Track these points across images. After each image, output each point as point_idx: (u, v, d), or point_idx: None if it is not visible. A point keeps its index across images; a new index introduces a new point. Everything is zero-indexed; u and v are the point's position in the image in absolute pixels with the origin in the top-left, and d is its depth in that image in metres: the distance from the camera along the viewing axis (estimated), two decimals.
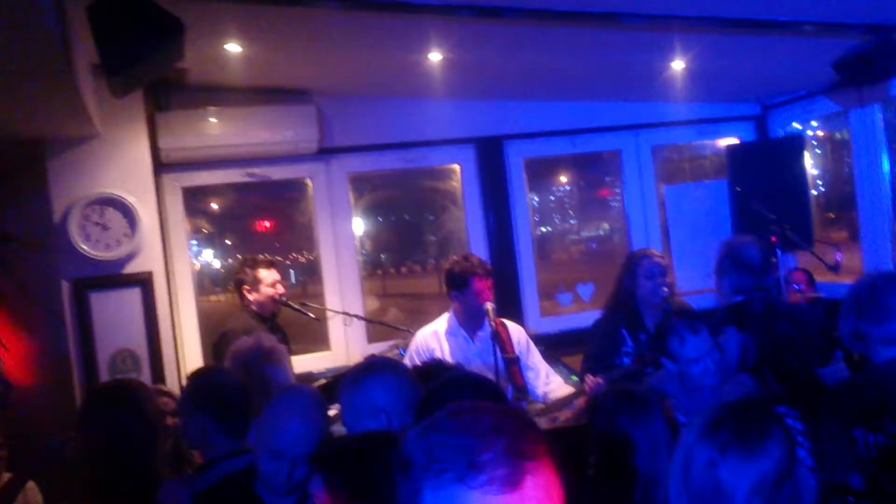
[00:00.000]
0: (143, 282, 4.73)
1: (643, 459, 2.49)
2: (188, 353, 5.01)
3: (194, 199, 5.35)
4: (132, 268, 4.74)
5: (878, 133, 5.21)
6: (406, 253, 6.39)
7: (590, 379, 4.00)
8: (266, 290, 4.53)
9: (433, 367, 2.99)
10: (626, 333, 4.17)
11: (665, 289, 4.14)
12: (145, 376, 4.63)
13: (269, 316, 4.58)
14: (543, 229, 6.58)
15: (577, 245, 6.82)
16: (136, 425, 2.70)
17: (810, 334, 3.65)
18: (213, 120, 4.87)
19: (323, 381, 4.40)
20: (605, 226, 6.61)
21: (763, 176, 5.31)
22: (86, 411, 2.90)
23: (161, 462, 2.90)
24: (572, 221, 6.87)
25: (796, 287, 4.97)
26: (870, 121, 5.23)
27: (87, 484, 2.72)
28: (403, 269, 6.50)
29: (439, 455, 1.00)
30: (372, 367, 2.50)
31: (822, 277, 5.23)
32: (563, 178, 6.78)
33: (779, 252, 4.68)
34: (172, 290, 4.95)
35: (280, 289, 4.59)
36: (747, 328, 3.50)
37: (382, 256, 6.34)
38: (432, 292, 5.02)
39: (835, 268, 4.59)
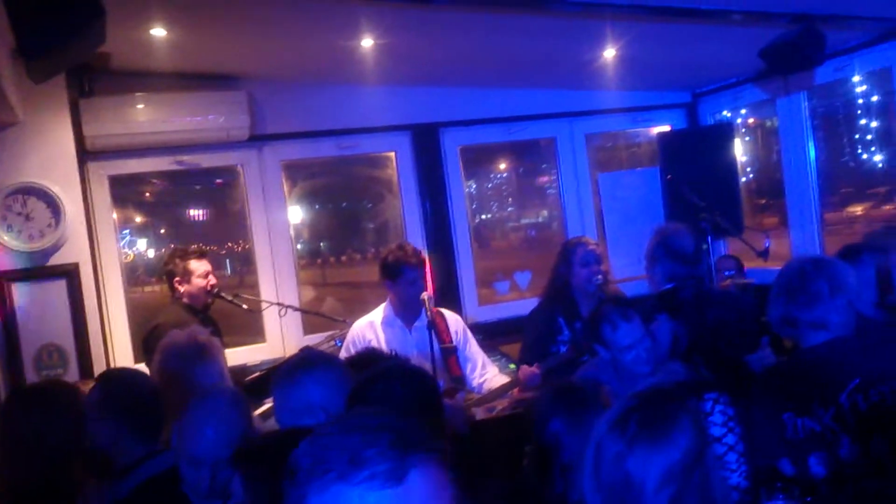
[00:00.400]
0: (69, 273, 4.56)
1: (574, 457, 2.51)
2: (118, 347, 4.87)
3: (124, 187, 5.19)
4: (57, 259, 4.57)
5: (803, 121, 5.34)
6: (345, 241, 6.33)
7: (525, 369, 4.03)
8: (197, 282, 4.44)
9: (367, 357, 2.95)
10: (563, 321, 4.20)
11: (599, 277, 4.18)
12: (72, 372, 4.49)
13: (201, 308, 4.49)
14: (483, 216, 6.58)
15: (516, 232, 6.85)
16: (54, 430, 2.61)
17: (740, 321, 3.72)
18: (140, 106, 4.73)
19: (257, 375, 4.34)
20: (545, 213, 6.65)
21: (694, 163, 5.40)
22: (3, 415, 2.79)
23: (82, 468, 2.81)
24: (510, 209, 6.89)
25: (727, 273, 5.07)
26: (796, 108, 5.36)
27: (5, 490, 2.62)
28: (343, 258, 6.43)
29: (323, 456, 0.99)
30: (307, 363, 2.44)
31: (751, 263, 5.35)
32: (502, 166, 6.79)
33: (709, 239, 4.76)
34: (100, 282, 4.80)
35: (212, 280, 4.50)
36: (679, 315, 3.54)
37: (322, 245, 6.26)
38: (372, 281, 4.99)
39: (764, 254, 4.69)
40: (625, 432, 1.70)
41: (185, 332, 3.31)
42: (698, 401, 2.67)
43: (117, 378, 2.93)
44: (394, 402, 1.99)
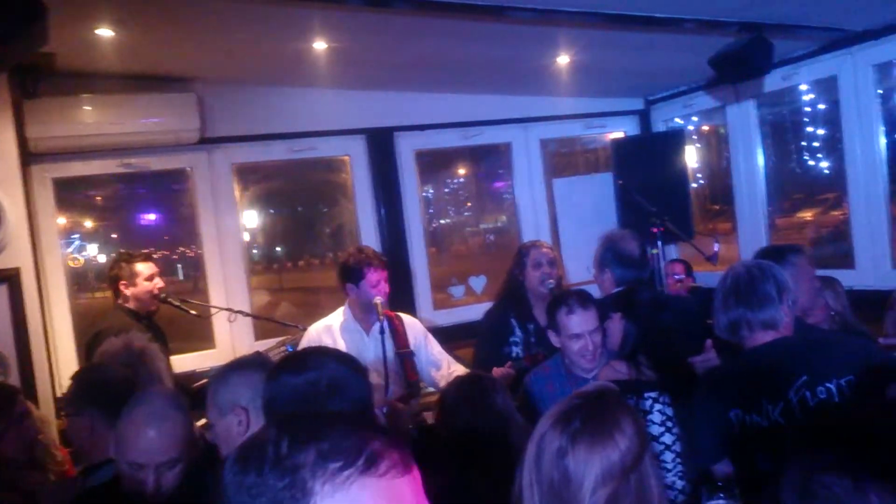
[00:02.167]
0: (10, 279, 4.44)
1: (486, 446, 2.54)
2: (61, 354, 4.76)
3: (73, 191, 5.09)
4: None
5: (752, 128, 5.45)
6: (302, 246, 6.26)
7: (498, 369, 3.99)
8: (143, 285, 4.33)
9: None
10: (515, 322, 4.20)
11: (551, 280, 4.19)
12: (13, 379, 4.35)
13: (145, 314, 4.39)
14: (442, 221, 6.57)
15: (475, 237, 6.85)
16: None
17: (688, 323, 3.77)
18: (86, 108, 4.64)
19: (205, 381, 4.26)
20: (503, 218, 6.66)
21: (646, 169, 5.46)
22: None
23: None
24: (468, 214, 6.89)
25: (676, 277, 5.13)
26: (745, 116, 5.46)
27: None
28: (301, 263, 6.37)
29: (333, 456, 0.99)
30: (239, 364, 2.42)
31: (700, 268, 5.43)
32: (461, 171, 6.79)
33: (660, 243, 4.81)
34: (43, 288, 4.68)
35: (158, 283, 4.40)
36: (633, 317, 3.57)
37: (278, 250, 6.19)
38: (329, 286, 4.93)
39: (712, 258, 4.75)
40: (567, 428, 1.72)
41: (120, 338, 3.27)
42: (639, 399, 2.70)
43: (92, 371, 2.95)
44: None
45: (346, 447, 1.00)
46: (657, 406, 2.75)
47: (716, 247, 4.80)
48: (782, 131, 5.49)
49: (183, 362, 4.82)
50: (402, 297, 5.39)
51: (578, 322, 3.17)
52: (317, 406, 1.71)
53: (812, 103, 5.28)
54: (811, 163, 5.49)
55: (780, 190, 5.61)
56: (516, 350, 4.15)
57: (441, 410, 2.85)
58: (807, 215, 5.89)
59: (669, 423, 2.73)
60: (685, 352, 3.51)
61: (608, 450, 1.68)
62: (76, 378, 2.88)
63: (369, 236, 5.56)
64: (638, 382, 2.91)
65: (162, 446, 2.26)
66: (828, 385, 2.46)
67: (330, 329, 4.18)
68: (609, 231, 4.02)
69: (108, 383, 2.73)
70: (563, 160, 6.57)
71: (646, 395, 2.76)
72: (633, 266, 3.72)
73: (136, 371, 3.07)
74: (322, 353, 2.14)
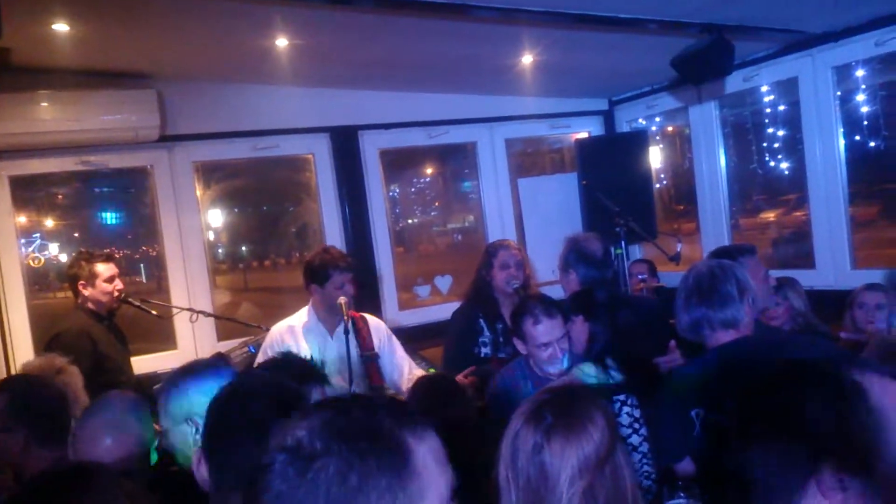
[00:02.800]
0: None
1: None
2: (19, 355, 4.67)
3: (32, 189, 5.00)
4: None
5: (714, 129, 5.51)
6: (266, 245, 6.21)
7: (460, 378, 4.00)
8: (103, 286, 4.26)
9: (283, 362, 2.85)
10: (483, 322, 4.21)
11: (516, 280, 4.20)
12: None
13: (105, 314, 4.32)
14: (410, 221, 6.55)
15: (442, 237, 6.83)
16: None
17: (649, 323, 3.79)
18: (44, 104, 4.54)
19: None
20: (471, 217, 6.65)
21: (610, 169, 5.49)
22: None
23: None
24: (434, 213, 6.88)
25: (639, 277, 5.16)
26: (707, 117, 5.52)
27: None
28: (266, 263, 6.31)
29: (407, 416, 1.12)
30: (193, 371, 2.36)
31: (664, 268, 5.46)
32: (427, 170, 6.78)
33: (623, 243, 4.84)
34: (0, 287, 4.58)
35: (118, 284, 4.33)
36: (593, 317, 3.59)
37: (243, 249, 6.12)
38: (293, 286, 4.88)
39: (675, 258, 4.79)
40: (540, 424, 1.75)
41: (42, 357, 3.20)
42: (607, 403, 2.71)
43: (21, 385, 2.82)
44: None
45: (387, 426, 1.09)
46: (625, 409, 2.77)
47: (678, 247, 4.84)
48: (744, 132, 5.55)
49: (144, 363, 4.75)
50: (367, 298, 5.37)
51: (544, 331, 3.18)
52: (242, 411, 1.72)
53: (773, 104, 5.34)
54: (772, 164, 5.56)
55: (743, 190, 5.68)
56: (485, 350, 4.17)
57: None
58: (769, 216, 5.96)
59: (637, 425, 2.75)
60: (648, 352, 3.54)
61: (582, 442, 1.72)
62: (8, 390, 2.73)
63: (334, 236, 5.53)
64: (606, 386, 2.92)
65: (119, 455, 2.22)
66: None
67: (293, 329, 4.13)
68: (573, 233, 4.04)
69: (43, 400, 2.64)
70: (529, 160, 6.59)
71: (614, 398, 2.77)
72: (596, 266, 3.75)
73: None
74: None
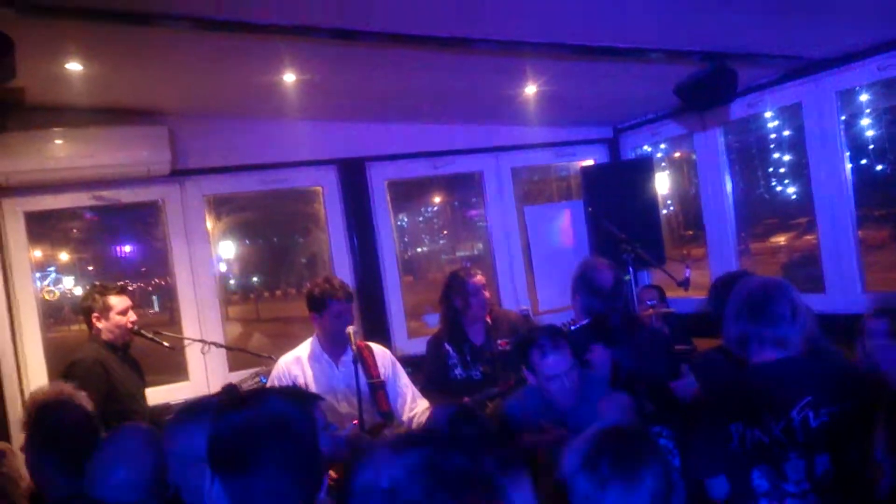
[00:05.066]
0: None
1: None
2: (33, 385, 4.69)
3: (47, 225, 5.08)
4: None
5: (720, 154, 5.52)
6: (277, 276, 6.26)
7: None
8: (116, 319, 4.30)
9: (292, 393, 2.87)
10: (450, 347, 4.45)
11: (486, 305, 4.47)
12: None
13: (121, 345, 4.36)
14: (417, 250, 6.59)
15: (451, 265, 6.86)
16: None
17: (659, 348, 3.80)
18: (58, 141, 4.63)
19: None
20: (479, 245, 6.68)
21: (616, 196, 5.52)
22: None
23: None
24: (442, 241, 6.92)
25: (649, 303, 5.16)
26: (712, 143, 5.54)
27: None
28: (277, 293, 6.35)
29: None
30: (198, 412, 2.34)
31: (673, 293, 5.46)
32: (436, 199, 6.83)
33: (631, 270, 4.85)
34: (15, 322, 4.65)
35: (132, 316, 4.38)
36: (612, 343, 3.58)
37: (254, 280, 6.17)
38: (303, 316, 4.91)
39: (684, 284, 4.80)
40: (596, 473, 1.72)
41: (52, 385, 3.20)
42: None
43: (52, 411, 2.80)
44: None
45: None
46: (661, 441, 2.75)
47: (687, 272, 4.84)
48: (749, 157, 5.57)
49: (157, 394, 4.78)
50: (375, 326, 5.40)
51: (553, 364, 3.18)
52: (258, 443, 1.70)
53: (777, 130, 5.37)
54: (779, 188, 5.57)
55: (752, 215, 5.68)
56: (458, 370, 4.43)
57: None
58: (780, 240, 5.96)
59: (670, 456, 2.73)
60: (664, 376, 3.54)
61: (639, 491, 1.70)
62: (35, 414, 2.74)
63: (342, 266, 5.57)
64: (642, 418, 2.91)
65: (131, 486, 2.24)
66: (831, 409, 2.48)
67: (299, 360, 4.18)
68: (586, 258, 4.06)
69: (67, 427, 2.63)
70: (535, 188, 6.63)
71: (652, 430, 2.76)
72: (601, 297, 3.73)
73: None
74: (265, 391, 2.11)
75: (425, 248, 6.74)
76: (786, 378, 2.54)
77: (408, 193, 6.25)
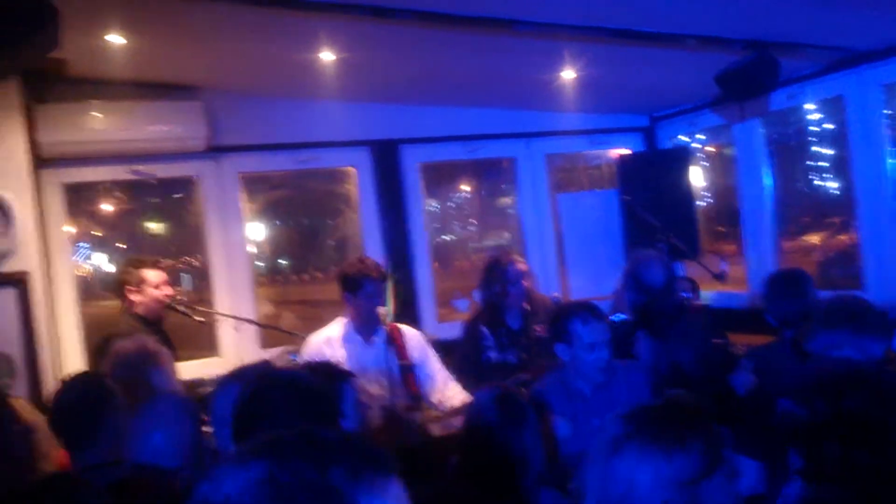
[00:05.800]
0: (19, 282, 4.46)
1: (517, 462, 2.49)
2: (69, 358, 4.76)
3: (82, 200, 5.13)
4: (7, 267, 4.45)
5: (759, 147, 5.42)
6: (306, 258, 6.28)
7: None
8: (151, 292, 4.34)
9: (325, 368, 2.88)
10: (486, 330, 4.42)
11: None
12: (21, 382, 4.37)
13: (155, 320, 4.40)
14: (447, 237, 6.58)
15: (478, 253, 6.85)
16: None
17: (707, 341, 3.76)
18: (96, 114, 4.67)
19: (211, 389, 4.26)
20: (507, 234, 6.66)
21: (651, 186, 5.47)
22: None
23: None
24: (472, 229, 6.90)
25: (682, 295, 5.10)
26: (751, 135, 5.44)
27: None
28: (305, 276, 6.38)
29: (364, 466, 0.94)
30: (242, 374, 2.40)
31: (707, 287, 5.40)
32: (466, 186, 6.81)
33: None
34: (53, 293, 4.70)
35: (167, 290, 4.41)
36: (657, 334, 3.54)
37: (282, 262, 6.20)
38: (331, 299, 4.93)
39: (720, 276, 4.74)
40: (634, 441, 1.61)
41: (132, 339, 3.26)
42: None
43: (62, 385, 2.84)
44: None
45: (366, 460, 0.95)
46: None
47: (723, 265, 4.79)
48: (788, 151, 5.48)
49: (188, 370, 4.80)
50: (406, 310, 5.39)
51: (592, 331, 3.17)
52: (277, 414, 1.70)
53: (818, 123, 5.28)
54: (818, 183, 5.48)
55: (787, 211, 5.59)
56: (493, 353, 4.40)
57: (475, 430, 2.64)
58: (813, 239, 5.87)
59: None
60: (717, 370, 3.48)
61: (677, 458, 1.57)
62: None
63: (374, 248, 5.57)
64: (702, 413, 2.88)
65: (168, 452, 2.26)
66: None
67: (330, 340, 4.19)
68: (637, 252, 4.00)
69: (64, 400, 2.68)
70: (567, 175, 6.58)
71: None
72: (650, 295, 3.69)
73: (148, 374, 3.08)
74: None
75: (453, 236, 6.73)
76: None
77: (437, 179, 6.23)
